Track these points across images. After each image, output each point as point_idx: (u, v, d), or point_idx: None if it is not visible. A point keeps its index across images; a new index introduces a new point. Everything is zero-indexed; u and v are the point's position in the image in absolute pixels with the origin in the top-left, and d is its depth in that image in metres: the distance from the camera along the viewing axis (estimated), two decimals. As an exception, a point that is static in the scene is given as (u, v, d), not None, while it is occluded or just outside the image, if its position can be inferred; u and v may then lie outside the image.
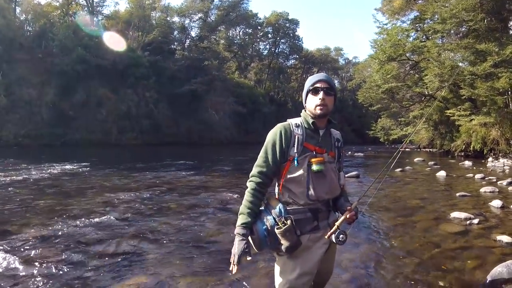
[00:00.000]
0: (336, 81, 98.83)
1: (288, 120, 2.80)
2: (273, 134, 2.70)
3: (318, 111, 2.65)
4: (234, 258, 2.57)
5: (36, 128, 36.40)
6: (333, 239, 2.59)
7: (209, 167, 18.69)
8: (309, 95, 2.72)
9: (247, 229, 2.63)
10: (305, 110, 2.81)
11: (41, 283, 4.14)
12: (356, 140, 78.69)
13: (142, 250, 5.31)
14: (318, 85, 2.66)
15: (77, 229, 6.28)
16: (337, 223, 2.61)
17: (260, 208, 2.74)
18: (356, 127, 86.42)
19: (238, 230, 2.63)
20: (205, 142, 52.34)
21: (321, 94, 2.63)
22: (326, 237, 2.63)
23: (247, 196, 2.69)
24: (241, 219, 2.65)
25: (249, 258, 2.58)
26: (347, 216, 2.65)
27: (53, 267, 4.57)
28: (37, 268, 4.53)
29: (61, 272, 4.45)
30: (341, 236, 2.58)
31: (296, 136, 2.66)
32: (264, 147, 2.72)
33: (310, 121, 2.70)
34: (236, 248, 2.57)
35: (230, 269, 2.60)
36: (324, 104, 2.63)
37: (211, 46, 63.27)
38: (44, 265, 4.65)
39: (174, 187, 11.43)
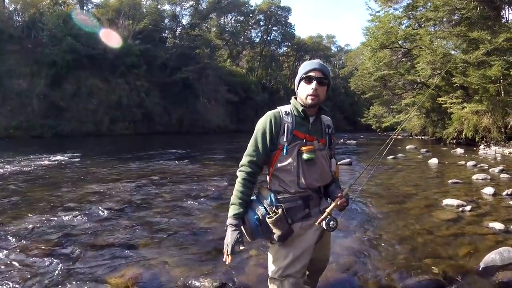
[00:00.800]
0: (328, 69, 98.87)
1: (278, 107, 2.76)
2: (263, 123, 2.68)
3: (309, 101, 2.62)
4: (227, 248, 2.56)
5: (27, 120, 36.05)
6: (324, 226, 2.58)
7: (201, 155, 18.64)
8: (302, 82, 2.67)
9: (239, 219, 2.61)
10: (295, 98, 2.78)
11: (33, 275, 4.09)
12: (348, 128, 79.06)
13: (134, 241, 5.26)
14: (312, 74, 2.61)
15: (69, 220, 6.23)
16: (327, 210, 2.60)
17: (252, 198, 2.73)
18: (348, 114, 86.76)
19: (230, 221, 2.61)
20: (197, 130, 52.29)
21: (314, 84, 2.59)
22: (316, 223, 2.61)
23: (238, 186, 2.68)
24: (232, 210, 2.64)
25: (242, 247, 2.56)
26: (338, 203, 2.64)
27: (45, 259, 4.52)
28: (28, 260, 4.49)
29: (52, 263, 4.40)
30: (331, 222, 2.57)
31: (286, 124, 2.64)
32: (254, 135, 2.70)
33: (300, 108, 2.68)
34: (229, 238, 2.56)
35: (224, 259, 2.57)
36: (316, 95, 2.60)
37: (202, 34, 62.96)
38: (36, 257, 4.60)
39: (166, 176, 11.38)
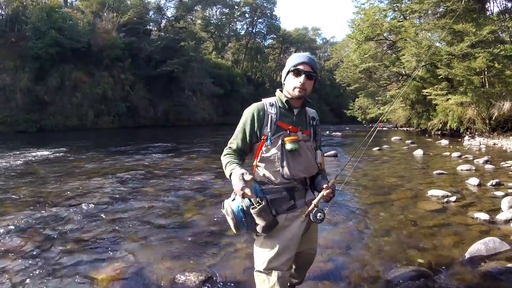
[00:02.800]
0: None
1: (262, 99, 2.77)
2: (247, 114, 2.70)
3: (296, 93, 2.62)
4: (239, 184, 2.38)
5: (11, 115, 35.34)
6: (311, 218, 2.58)
7: (187, 149, 18.53)
8: (290, 75, 2.67)
9: (238, 165, 2.51)
10: (281, 90, 2.79)
11: (16, 271, 4.03)
12: (334, 120, 79.30)
13: (119, 235, 5.21)
14: (301, 67, 2.61)
15: (53, 216, 6.14)
16: (314, 201, 2.60)
17: None
18: (333, 106, 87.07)
19: (229, 171, 2.52)
20: (182, 124, 52.01)
21: (302, 78, 2.59)
22: (303, 215, 2.61)
23: (225, 159, 2.65)
24: (229, 169, 2.54)
25: (249, 177, 2.38)
26: (324, 194, 2.62)
27: (30, 255, 4.47)
28: (12, 256, 4.42)
29: (37, 259, 4.35)
30: (318, 214, 2.57)
31: (270, 115, 2.64)
32: (238, 125, 2.72)
33: (284, 99, 2.68)
34: (236, 175, 2.41)
35: (244, 191, 2.38)
36: (304, 88, 2.61)
37: (187, 26, 62.39)
38: (21, 253, 4.54)
39: (151, 170, 11.30)
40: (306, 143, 2.72)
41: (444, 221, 5.73)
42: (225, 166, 2.60)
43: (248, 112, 2.68)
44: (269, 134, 2.61)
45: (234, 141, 2.70)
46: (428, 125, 28.23)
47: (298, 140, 2.63)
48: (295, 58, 2.67)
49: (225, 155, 2.69)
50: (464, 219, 5.81)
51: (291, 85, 2.63)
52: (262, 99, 2.76)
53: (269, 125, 2.62)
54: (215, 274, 3.94)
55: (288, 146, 2.58)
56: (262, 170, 2.68)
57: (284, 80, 2.74)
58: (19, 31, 38.77)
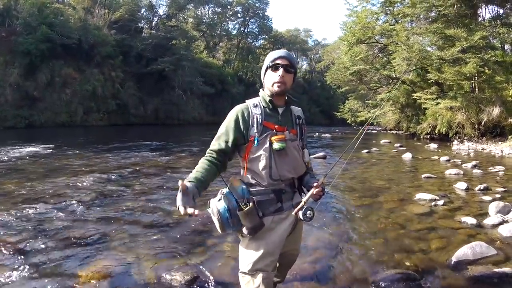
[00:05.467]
0: (304, 63, 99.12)
1: (246, 101, 2.75)
2: (230, 116, 2.68)
3: (275, 88, 2.61)
4: (179, 208, 2.31)
5: (0, 110, 35.23)
6: (300, 216, 2.57)
7: (176, 147, 18.50)
8: (269, 71, 2.67)
9: (191, 183, 2.45)
10: (263, 89, 2.78)
11: (2, 269, 3.99)
12: (324, 121, 79.63)
13: (106, 234, 5.17)
14: (278, 61, 2.61)
15: (40, 214, 6.08)
16: (303, 199, 2.60)
17: (224, 191, 2.63)
18: (324, 108, 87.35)
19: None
20: (172, 122, 52.07)
21: (280, 71, 2.59)
22: (293, 213, 2.60)
23: (198, 165, 2.64)
24: (187, 178, 2.52)
25: (190, 211, 2.26)
26: (314, 192, 2.61)
27: (17, 253, 4.41)
28: (-1, 255, 4.37)
29: (23, 257, 4.30)
30: (308, 212, 2.56)
31: (255, 116, 2.63)
32: (221, 127, 2.69)
33: (268, 99, 2.66)
34: (178, 198, 2.34)
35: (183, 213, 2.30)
36: (283, 82, 2.60)
37: (179, 24, 62.15)
38: (6, 250, 4.49)
39: (140, 168, 11.24)
40: (293, 142, 2.69)
41: (432, 225, 5.73)
42: (193, 172, 2.58)
43: (232, 114, 2.66)
44: (256, 135, 2.58)
45: (216, 143, 2.65)
46: (417, 129, 28.35)
47: (285, 139, 2.61)
48: (272, 55, 2.68)
49: (202, 159, 2.65)
50: (451, 223, 5.82)
51: (270, 80, 2.63)
52: (246, 101, 2.75)
53: (255, 126, 2.60)
54: (201, 274, 3.93)
55: (276, 145, 2.55)
56: (250, 172, 2.66)
57: (263, 79, 2.74)
58: (9, 26, 38.41)
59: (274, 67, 2.61)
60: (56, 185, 8.39)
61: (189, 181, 2.45)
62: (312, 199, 2.66)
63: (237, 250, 2.84)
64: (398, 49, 24.93)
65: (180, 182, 2.34)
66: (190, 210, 2.25)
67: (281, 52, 2.67)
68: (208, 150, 2.67)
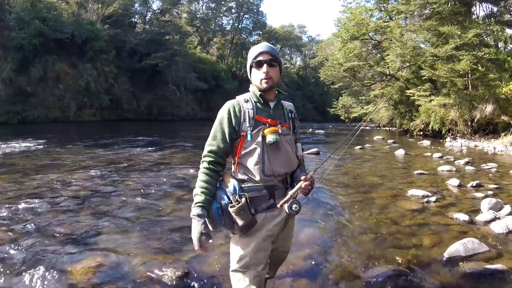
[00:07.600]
0: (298, 59, 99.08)
1: (236, 97, 2.72)
2: (222, 113, 2.64)
3: (264, 85, 2.59)
4: (195, 242, 2.45)
5: (-7, 106, 34.99)
6: (286, 209, 2.53)
7: (169, 143, 18.42)
8: (253, 69, 2.66)
9: (203, 208, 2.49)
10: (253, 84, 2.73)
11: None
12: (318, 117, 79.43)
13: (98, 229, 5.15)
14: (260, 57, 2.59)
15: (32, 209, 6.04)
16: (290, 192, 2.56)
17: None
18: (317, 104, 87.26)
19: (194, 211, 2.49)
20: (166, 118, 51.76)
21: (264, 67, 2.57)
22: (278, 206, 2.56)
23: (200, 176, 2.59)
24: (196, 199, 2.52)
25: (210, 241, 2.47)
26: (302, 186, 2.58)
27: (6, 248, 4.39)
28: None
29: (14, 253, 4.29)
30: (294, 205, 2.52)
31: (247, 111, 2.59)
32: (214, 126, 2.65)
33: (258, 93, 2.63)
34: (194, 230, 2.45)
35: (196, 249, 2.49)
36: (269, 77, 2.58)
37: (173, 20, 61.95)
38: (-3, 246, 4.45)
39: (132, 164, 11.20)
40: (286, 136, 2.66)
41: (424, 221, 5.74)
42: (198, 187, 2.56)
43: (224, 110, 2.63)
44: (249, 129, 2.55)
45: (214, 143, 2.61)
46: (411, 126, 28.44)
47: (278, 133, 2.57)
48: (253, 51, 2.66)
49: (203, 168, 2.61)
50: (443, 219, 5.83)
51: (257, 78, 2.61)
52: (236, 97, 2.72)
53: (247, 120, 2.56)
54: (192, 270, 3.91)
55: (269, 137, 2.51)
56: (242, 167, 2.62)
57: (250, 77, 2.72)
58: (2, 20, 38.07)
59: (258, 64, 2.60)
60: (49, 181, 8.33)
61: (201, 206, 2.51)
62: (301, 193, 2.63)
63: (228, 246, 2.82)
64: (392, 46, 24.94)
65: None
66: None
67: (262, 47, 2.65)
68: (206, 153, 2.63)
